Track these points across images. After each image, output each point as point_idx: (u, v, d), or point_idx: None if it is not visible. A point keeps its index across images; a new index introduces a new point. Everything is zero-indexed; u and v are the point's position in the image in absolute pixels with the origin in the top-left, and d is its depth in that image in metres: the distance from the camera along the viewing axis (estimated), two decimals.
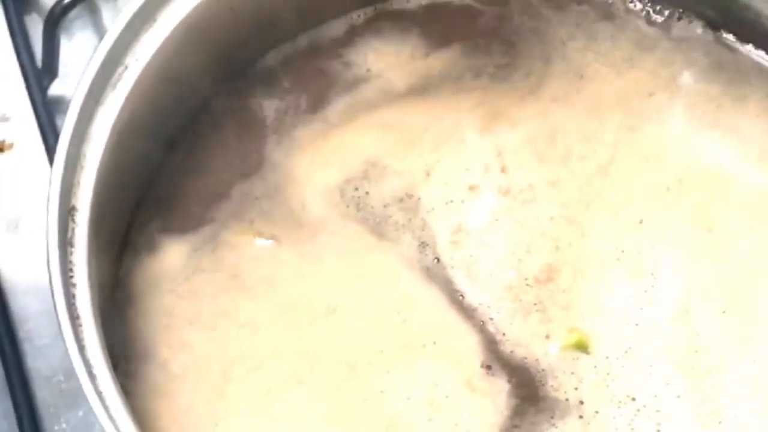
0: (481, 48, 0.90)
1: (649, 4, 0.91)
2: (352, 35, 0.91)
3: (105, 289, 0.78)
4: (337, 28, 0.91)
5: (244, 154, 0.86)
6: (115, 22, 0.79)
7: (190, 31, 0.82)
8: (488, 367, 0.79)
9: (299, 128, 0.87)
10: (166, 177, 0.86)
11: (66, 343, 0.70)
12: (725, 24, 0.90)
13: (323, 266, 0.82)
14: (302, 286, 0.81)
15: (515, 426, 0.77)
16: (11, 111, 0.98)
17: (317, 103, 0.88)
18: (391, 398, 0.78)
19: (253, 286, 0.81)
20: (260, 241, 0.83)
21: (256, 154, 0.86)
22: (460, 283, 0.82)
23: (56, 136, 0.93)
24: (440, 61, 0.90)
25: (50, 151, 0.94)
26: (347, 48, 0.91)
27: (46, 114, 0.97)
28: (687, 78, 0.89)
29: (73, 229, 0.74)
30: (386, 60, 0.90)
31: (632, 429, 0.77)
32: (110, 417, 0.68)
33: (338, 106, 0.88)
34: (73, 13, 1.01)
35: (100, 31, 1.03)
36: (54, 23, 0.98)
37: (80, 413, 0.87)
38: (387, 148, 0.87)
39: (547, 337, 0.80)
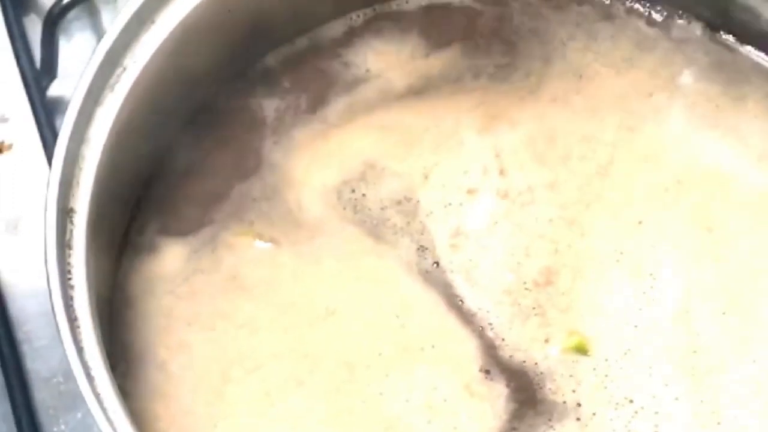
0: (481, 48, 0.90)
1: (649, 5, 0.91)
2: (352, 36, 0.91)
3: (103, 291, 0.78)
4: (336, 29, 0.91)
5: (242, 155, 0.86)
6: (113, 23, 0.79)
7: (189, 33, 0.82)
8: (487, 372, 0.79)
9: (298, 129, 0.87)
10: (165, 178, 0.85)
11: (64, 345, 0.70)
12: (724, 25, 0.90)
13: (322, 268, 0.82)
14: (301, 288, 0.81)
15: (513, 429, 0.77)
16: (10, 112, 0.98)
17: (317, 104, 0.88)
18: (390, 401, 0.78)
19: (252, 287, 0.81)
20: (260, 244, 0.83)
21: (255, 155, 0.86)
22: (460, 287, 0.82)
23: (55, 136, 0.92)
24: (440, 61, 0.90)
25: (49, 152, 0.94)
26: (347, 48, 0.90)
27: (45, 115, 0.97)
28: (686, 78, 0.89)
29: (71, 231, 0.74)
30: (386, 60, 0.90)
31: (630, 430, 0.77)
32: (108, 419, 0.68)
33: (337, 106, 0.88)
34: (71, 14, 1.01)
35: (98, 32, 1.03)
36: (53, 24, 0.98)
37: (79, 415, 0.87)
38: (385, 150, 0.87)
39: (547, 341, 0.80)
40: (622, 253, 0.82)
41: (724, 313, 0.80)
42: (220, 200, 0.84)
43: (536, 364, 0.79)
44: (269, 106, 0.88)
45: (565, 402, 0.78)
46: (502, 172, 0.86)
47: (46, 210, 0.73)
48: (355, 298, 0.81)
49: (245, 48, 0.88)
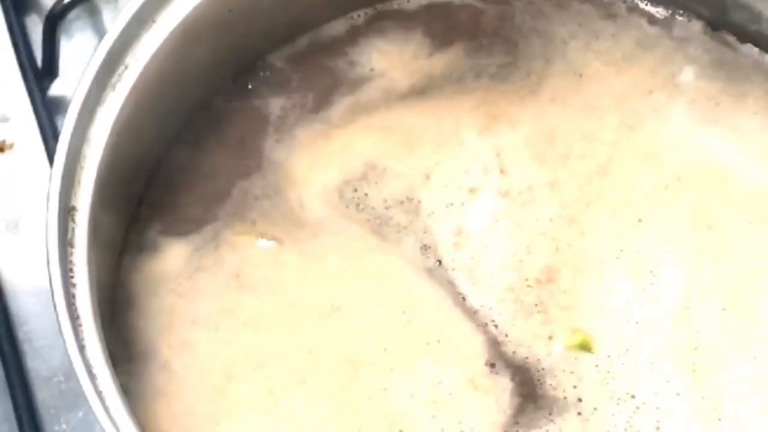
0: (484, 48, 0.90)
1: (650, 4, 0.91)
2: (355, 35, 0.91)
3: (105, 289, 0.78)
4: (337, 28, 0.91)
5: (244, 153, 0.86)
6: (114, 22, 0.79)
7: (190, 32, 0.82)
8: (492, 366, 0.79)
9: (300, 128, 0.87)
10: (167, 176, 0.86)
11: (66, 343, 0.70)
12: (725, 23, 0.90)
13: (326, 265, 0.82)
14: (305, 286, 0.81)
15: (517, 423, 0.77)
16: (11, 111, 0.98)
17: (320, 103, 0.88)
18: (395, 396, 0.78)
19: (256, 285, 0.81)
20: (263, 242, 0.83)
21: (257, 154, 0.86)
22: (462, 285, 0.82)
23: (56, 136, 0.93)
24: (443, 60, 0.90)
25: (50, 152, 0.94)
26: (352, 47, 0.90)
27: (46, 114, 0.97)
28: (686, 76, 0.89)
29: (73, 229, 0.74)
30: (389, 59, 0.90)
31: (631, 426, 0.77)
32: (110, 417, 0.68)
33: (341, 106, 0.88)
34: (72, 14, 1.01)
35: (99, 32, 1.03)
36: (54, 24, 0.98)
37: (80, 414, 0.87)
38: (387, 150, 0.87)
39: (550, 337, 0.80)
40: (622, 250, 0.82)
41: (724, 310, 0.80)
42: (222, 198, 0.84)
43: (539, 360, 0.79)
44: (271, 105, 0.88)
45: (565, 397, 0.78)
46: (502, 172, 0.86)
47: (47, 208, 0.73)
48: (360, 294, 0.81)
49: (246, 47, 0.89)
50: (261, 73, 0.90)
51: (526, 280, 0.82)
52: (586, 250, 0.82)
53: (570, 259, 0.82)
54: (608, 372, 0.79)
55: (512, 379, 0.78)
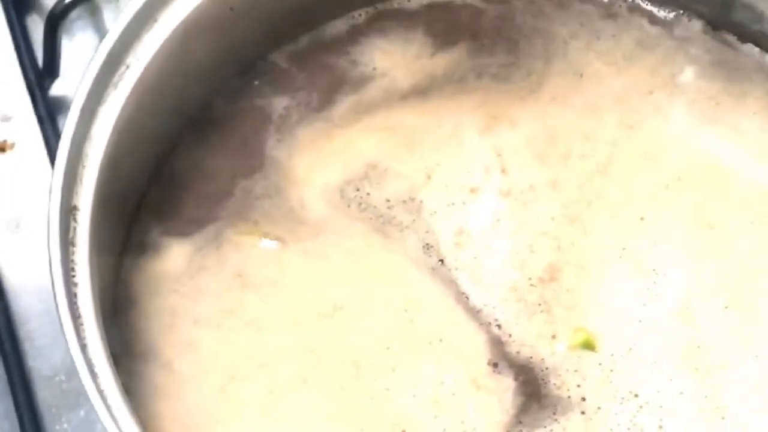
0: (486, 48, 0.90)
1: (651, 4, 0.91)
2: (356, 34, 0.91)
3: (107, 289, 0.78)
4: (338, 27, 0.91)
5: (246, 153, 0.86)
6: (116, 21, 0.79)
7: (191, 31, 0.82)
8: (495, 365, 0.79)
9: (302, 127, 0.87)
10: (168, 176, 0.86)
11: (68, 342, 0.70)
12: (726, 23, 0.90)
13: (328, 264, 0.82)
14: (308, 285, 0.81)
15: (520, 422, 0.77)
16: (12, 111, 0.98)
17: (322, 102, 0.88)
18: (397, 396, 0.78)
19: (259, 284, 0.81)
20: (266, 242, 0.83)
21: (259, 153, 0.86)
22: (465, 285, 0.82)
23: (57, 136, 0.93)
24: (445, 60, 0.90)
25: (51, 151, 0.95)
26: (354, 46, 0.90)
27: (47, 114, 0.97)
28: (687, 76, 0.89)
29: (74, 228, 0.74)
30: (392, 59, 0.90)
31: (634, 425, 0.77)
32: (112, 416, 0.68)
33: (343, 105, 0.88)
34: (74, 14, 1.00)
35: (101, 32, 1.03)
36: (55, 23, 0.98)
37: (81, 413, 0.87)
38: (388, 151, 0.87)
39: (554, 337, 0.80)
40: (624, 249, 0.82)
41: (726, 309, 0.80)
42: (224, 198, 0.84)
43: (543, 359, 0.79)
44: (273, 105, 0.88)
45: (569, 396, 0.78)
46: (503, 171, 0.86)
47: (49, 207, 0.73)
48: (362, 293, 0.81)
49: (248, 46, 0.89)
50: (262, 73, 0.90)
51: (529, 279, 0.82)
52: (589, 249, 0.83)
53: (572, 258, 0.82)
54: (611, 371, 0.79)
55: (515, 379, 0.78)
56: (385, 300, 0.81)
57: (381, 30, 0.91)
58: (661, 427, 0.77)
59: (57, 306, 0.71)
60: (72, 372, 0.70)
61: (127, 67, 0.79)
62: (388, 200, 0.85)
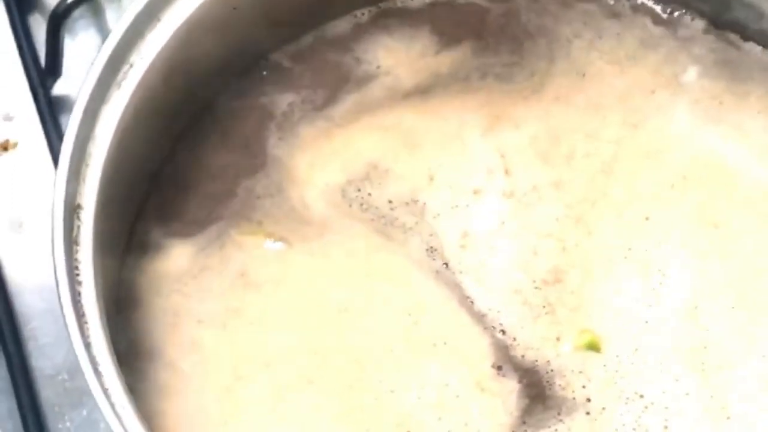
0: (491, 47, 0.90)
1: (654, 2, 0.91)
2: (360, 33, 0.91)
3: (111, 288, 0.78)
4: (342, 26, 0.91)
5: (249, 152, 0.86)
6: (119, 21, 0.79)
7: (194, 30, 0.82)
8: (499, 368, 0.79)
9: (303, 126, 0.87)
10: (172, 174, 0.85)
11: (72, 341, 0.70)
12: (728, 22, 0.90)
13: (332, 265, 0.82)
14: (312, 285, 0.81)
15: (524, 424, 0.77)
16: (15, 110, 0.98)
17: (326, 100, 0.88)
18: (401, 398, 0.78)
19: (262, 283, 0.81)
20: (270, 242, 0.83)
21: (261, 152, 0.86)
22: (469, 288, 0.81)
23: (60, 135, 0.93)
24: (450, 58, 0.90)
25: (54, 151, 0.94)
26: (356, 44, 0.90)
27: (50, 113, 0.97)
28: (690, 75, 0.89)
29: (78, 227, 0.74)
30: (397, 56, 0.90)
31: (639, 425, 0.77)
32: (116, 414, 0.68)
33: (346, 103, 0.88)
34: (76, 13, 1.00)
35: (103, 31, 1.03)
36: (57, 23, 0.97)
37: (84, 412, 0.87)
38: (389, 151, 0.86)
39: (558, 339, 0.80)
40: (629, 249, 0.82)
41: (732, 309, 0.80)
42: (227, 197, 0.84)
43: (548, 362, 0.79)
44: (276, 103, 0.88)
45: (574, 397, 0.78)
46: (507, 172, 0.86)
47: (53, 207, 0.73)
48: (366, 294, 0.81)
49: (250, 45, 0.89)
50: (265, 72, 0.90)
51: (534, 281, 0.82)
52: (594, 250, 0.82)
53: (577, 260, 0.82)
54: (617, 372, 0.79)
55: (520, 381, 0.78)
56: (389, 302, 0.81)
57: (385, 28, 0.91)
58: (666, 427, 0.77)
59: (61, 304, 0.70)
60: (75, 371, 0.70)
61: (131, 66, 0.79)
62: (390, 201, 0.85)
